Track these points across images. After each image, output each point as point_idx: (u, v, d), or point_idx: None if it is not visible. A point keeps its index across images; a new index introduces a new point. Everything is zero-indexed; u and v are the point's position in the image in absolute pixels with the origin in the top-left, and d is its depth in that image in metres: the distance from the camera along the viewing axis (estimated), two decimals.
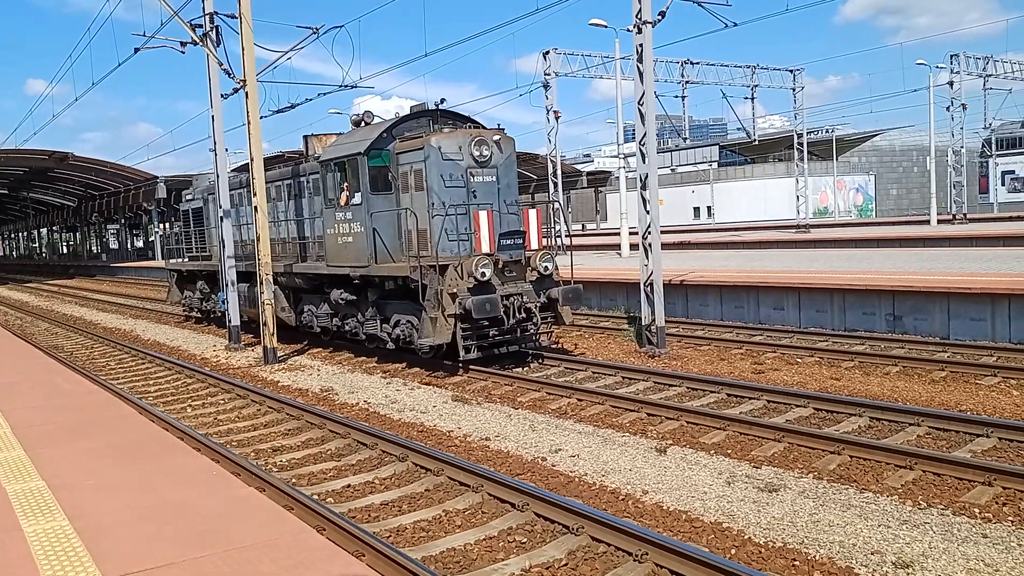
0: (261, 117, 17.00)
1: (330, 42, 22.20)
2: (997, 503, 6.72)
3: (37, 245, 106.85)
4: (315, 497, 7.49)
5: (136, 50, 19.20)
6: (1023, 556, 5.74)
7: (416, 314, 13.36)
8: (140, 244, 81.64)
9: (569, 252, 15.32)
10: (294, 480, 8.28)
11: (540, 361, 14.11)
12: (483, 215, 13.17)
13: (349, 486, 8.06)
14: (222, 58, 17.31)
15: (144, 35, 18.85)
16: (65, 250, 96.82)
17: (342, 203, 14.66)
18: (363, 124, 15.53)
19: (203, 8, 17.35)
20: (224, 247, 18.52)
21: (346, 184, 14.59)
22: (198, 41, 17.43)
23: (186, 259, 23.83)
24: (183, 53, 18.57)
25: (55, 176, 62.26)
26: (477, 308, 12.32)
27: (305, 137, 16.97)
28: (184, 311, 24.61)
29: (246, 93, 15.99)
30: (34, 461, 7.41)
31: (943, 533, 6.21)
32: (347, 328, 15.60)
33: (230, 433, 10.52)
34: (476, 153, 13.58)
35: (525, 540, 6.48)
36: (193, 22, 17.34)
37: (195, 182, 23.81)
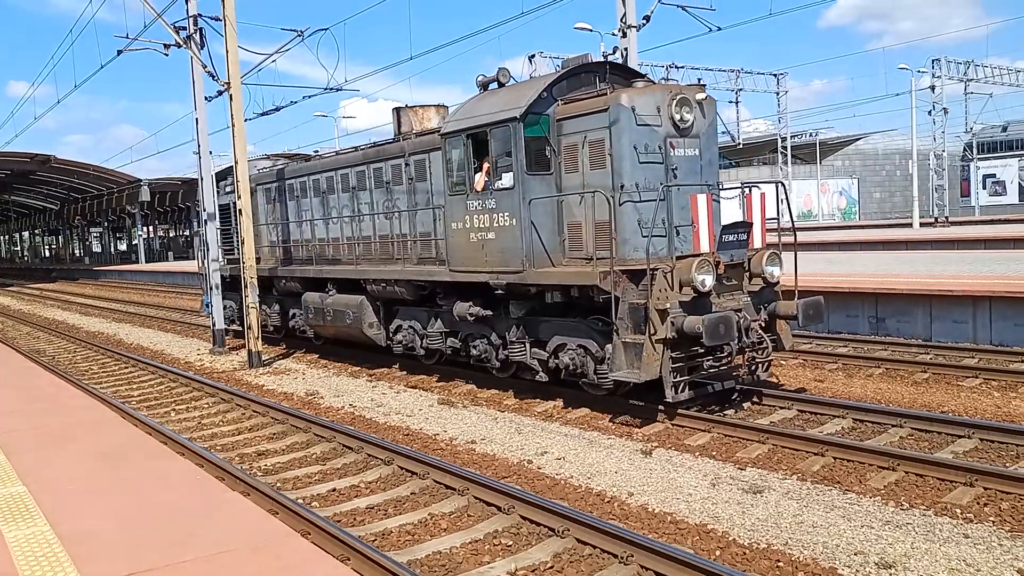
0: (246, 120, 17.00)
1: (315, 45, 22.29)
2: (978, 503, 6.79)
3: (19, 248, 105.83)
4: (300, 501, 7.46)
5: (119, 52, 19.14)
6: (1004, 556, 5.80)
7: (591, 336, 10.15)
8: (123, 247, 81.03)
9: (793, 251, 10.70)
10: (279, 484, 8.24)
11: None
12: (701, 200, 9.70)
13: (334, 490, 8.03)
14: (206, 60, 17.26)
15: (127, 37, 18.78)
16: (47, 253, 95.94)
17: (477, 188, 11.08)
18: (497, 85, 11.80)
19: (187, 10, 17.29)
20: (208, 249, 18.43)
21: (484, 163, 11.03)
22: (182, 43, 17.36)
23: (224, 262, 19.98)
24: (167, 55, 18.53)
25: (37, 179, 61.74)
26: (710, 332, 8.96)
27: (396, 110, 14.04)
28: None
29: (230, 96, 15.94)
30: (15, 466, 7.35)
31: (925, 533, 6.26)
32: (473, 353, 12.11)
33: (214, 437, 10.45)
34: (678, 116, 10.12)
35: (511, 543, 6.48)
36: (177, 24, 17.28)
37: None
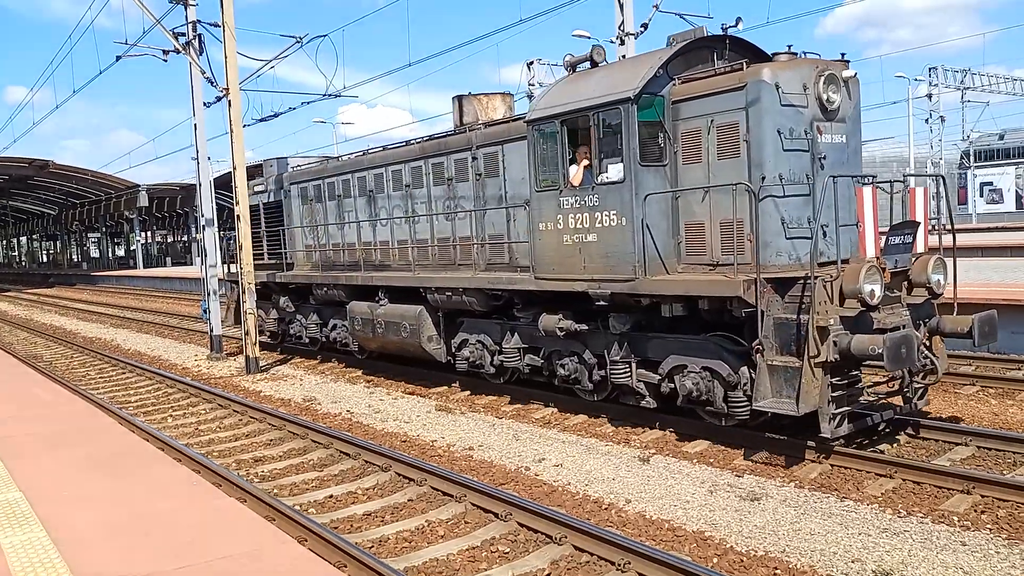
0: (244, 126, 17.01)
1: (314, 51, 22.31)
2: (975, 511, 6.79)
3: (16, 254, 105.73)
4: (297, 508, 7.44)
5: (118, 58, 19.20)
6: (1001, 564, 5.80)
7: (722, 357, 8.73)
8: (121, 253, 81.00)
9: (953, 256, 9.27)
10: (276, 490, 8.23)
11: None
12: (867, 194, 8.16)
13: (331, 496, 8.02)
14: (205, 66, 17.31)
15: (126, 43, 18.82)
16: (45, 259, 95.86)
17: (574, 183, 9.79)
18: (590, 64, 10.36)
19: (186, 16, 17.35)
20: (206, 256, 18.43)
21: (582, 154, 9.82)
22: (181, 49, 17.40)
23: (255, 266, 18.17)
24: (165, 61, 18.58)
25: (35, 184, 61.74)
26: (893, 355, 7.54)
27: (457, 98, 12.75)
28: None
29: (229, 101, 15.98)
30: (11, 472, 7.33)
31: (922, 541, 6.26)
32: (560, 372, 10.63)
33: (211, 443, 10.44)
34: (825, 96, 8.69)
35: (508, 550, 6.47)
36: (176, 30, 17.34)
37: (267, 169, 18.31)
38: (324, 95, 21.16)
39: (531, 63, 33.88)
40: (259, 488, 8.00)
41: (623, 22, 17.80)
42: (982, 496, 6.99)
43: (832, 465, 8.05)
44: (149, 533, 5.68)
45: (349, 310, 14.46)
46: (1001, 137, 66.36)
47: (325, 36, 19.14)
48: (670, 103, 9.27)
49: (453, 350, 12.55)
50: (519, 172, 10.88)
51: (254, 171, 18.83)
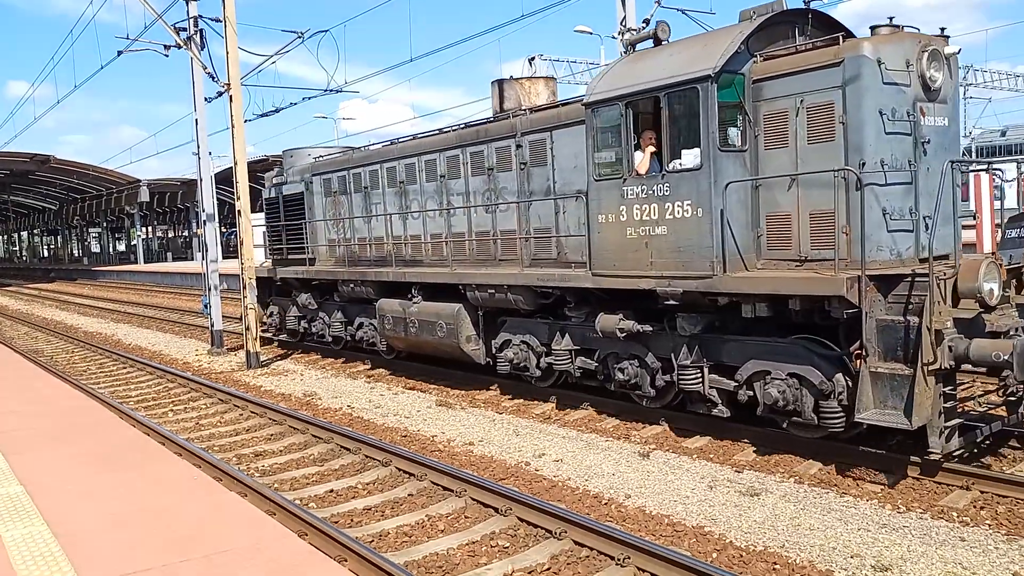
0: (245, 121, 17.02)
1: (315, 46, 22.29)
2: (975, 507, 6.80)
3: (17, 249, 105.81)
4: (297, 502, 7.46)
5: (119, 53, 19.17)
6: (1000, 559, 5.81)
7: (812, 363, 7.90)
8: (122, 248, 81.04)
9: None
10: (276, 485, 8.24)
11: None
12: (985, 182, 7.98)
13: (332, 491, 8.04)
14: (206, 61, 17.29)
15: (127, 38, 18.82)
16: (46, 253, 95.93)
17: (639, 171, 9.05)
18: (654, 42, 9.59)
19: (187, 11, 17.33)
20: (206, 251, 18.44)
21: (648, 138, 9.12)
22: (182, 44, 17.39)
23: (269, 263, 17.75)
24: (167, 56, 18.58)
25: (36, 179, 61.77)
26: (1022, 362, 6.81)
27: (497, 83, 12.03)
28: (270, 331, 18.50)
29: (230, 97, 15.97)
30: (13, 466, 7.35)
31: (922, 537, 6.27)
32: (619, 377, 9.82)
33: (212, 438, 10.45)
34: (928, 74, 7.99)
35: (508, 544, 6.49)
36: (177, 25, 17.32)
37: (287, 160, 17.40)
38: (325, 91, 21.15)
39: (532, 59, 33.87)
40: (260, 482, 8.02)
41: (625, 18, 17.75)
42: (981, 492, 6.99)
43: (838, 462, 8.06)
44: (150, 527, 5.69)
45: (378, 308, 13.66)
46: (1003, 133, 66.26)
47: (327, 31, 19.13)
48: (750, 82, 8.47)
49: (493, 351, 11.79)
50: (570, 160, 10.30)
51: (271, 164, 18.52)
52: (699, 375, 8.96)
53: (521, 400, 11.54)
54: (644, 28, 18.25)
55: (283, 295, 17.30)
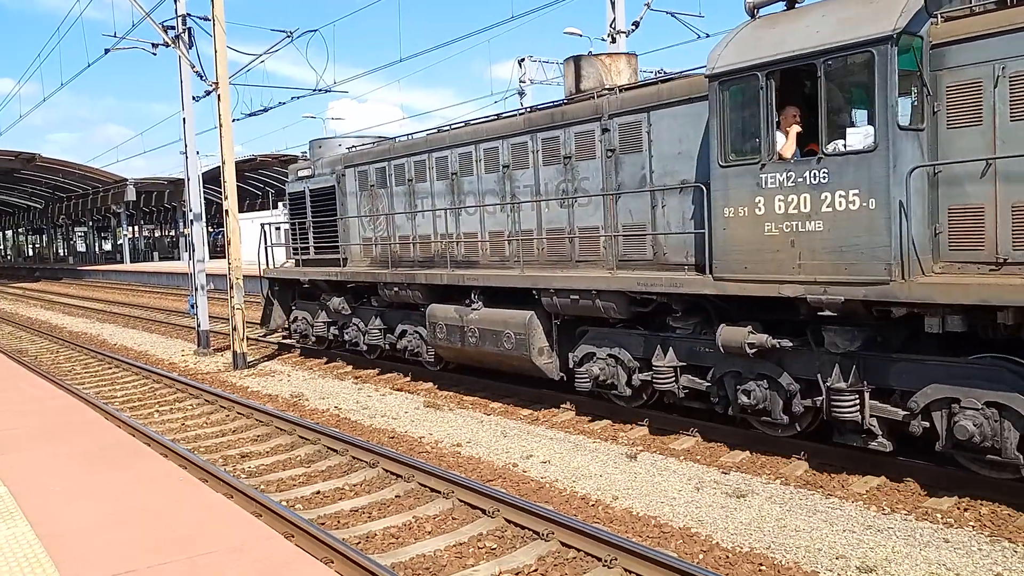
0: (233, 120, 16.96)
1: (304, 46, 22.28)
2: (958, 509, 6.85)
3: (2, 247, 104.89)
4: (284, 503, 7.44)
5: (107, 51, 19.05)
6: (983, 560, 5.86)
7: (1014, 389, 6.60)
8: (108, 247, 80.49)
9: None
10: (263, 486, 8.21)
11: None
12: None
13: (319, 492, 8.01)
14: (194, 60, 17.21)
15: (115, 36, 18.72)
16: (31, 252, 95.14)
17: (783, 154, 7.68)
18: (786, 4, 8.23)
19: (175, 10, 17.25)
20: (193, 251, 18.34)
21: (790, 116, 7.79)
22: (170, 43, 17.30)
23: (292, 263, 16.68)
24: (155, 55, 18.49)
25: (22, 177, 61.26)
26: None
27: (573, 60, 10.74)
28: (293, 338, 16.92)
29: (218, 96, 15.89)
30: None
31: (906, 538, 6.32)
32: (743, 401, 8.33)
33: (198, 439, 10.40)
34: None
35: (495, 546, 6.49)
36: (165, 24, 17.25)
37: (315, 151, 16.03)
38: (314, 90, 21.13)
39: (522, 60, 33.87)
40: (246, 484, 7.98)
41: (615, 20, 17.83)
42: (964, 494, 7.05)
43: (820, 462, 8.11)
44: (134, 528, 5.65)
45: (429, 314, 12.25)
46: None
47: (316, 31, 19.12)
48: (928, 47, 7.10)
49: (571, 365, 10.38)
50: (672, 146, 9.11)
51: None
52: (856, 401, 7.51)
53: (507, 402, 11.53)
54: (634, 30, 18.24)
55: (310, 299, 16.00)
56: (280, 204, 48.82)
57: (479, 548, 6.48)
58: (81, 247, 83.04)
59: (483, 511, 7.08)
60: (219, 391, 13.05)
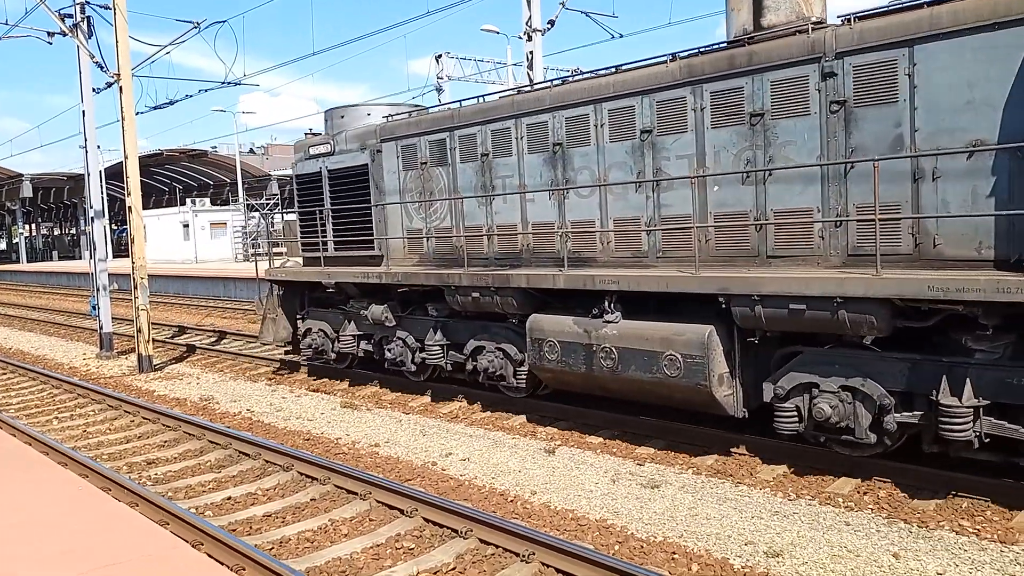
0: (137, 113, 16.29)
1: (212, 37, 21.49)
2: (858, 492, 7.17)
3: None
4: (193, 511, 7.17)
5: None
6: (881, 541, 6.16)
7: None
8: (3, 246, 76.04)
9: None
10: (170, 493, 7.91)
11: None
12: None
13: (230, 498, 7.77)
14: (94, 50, 16.46)
15: (7, 23, 17.70)
16: None
17: None
18: None
19: None
20: (95, 249, 17.51)
21: None
22: (68, 32, 16.48)
23: (291, 261, 14.32)
24: (51, 44, 17.57)
25: None
26: None
27: None
28: (301, 354, 13.70)
29: (120, 88, 15.25)
30: None
31: (810, 522, 6.58)
32: None
33: (100, 446, 9.93)
34: None
35: (413, 546, 6.43)
36: (63, 12, 16.44)
37: (335, 121, 13.08)
38: (223, 83, 20.44)
39: (439, 56, 33.68)
40: (152, 491, 7.67)
41: (530, 18, 17.95)
42: (864, 478, 7.39)
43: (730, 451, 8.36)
44: (31, 542, 5.36)
45: (532, 329, 9.55)
46: None
47: (224, 22, 18.50)
48: None
49: (767, 398, 7.73)
50: (954, 93, 6.73)
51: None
52: None
53: (428, 400, 11.43)
54: (550, 28, 18.41)
55: (325, 306, 13.26)
56: (188, 200, 47.28)
57: (397, 549, 6.41)
58: None
59: (401, 511, 7.01)
60: (123, 395, 12.50)
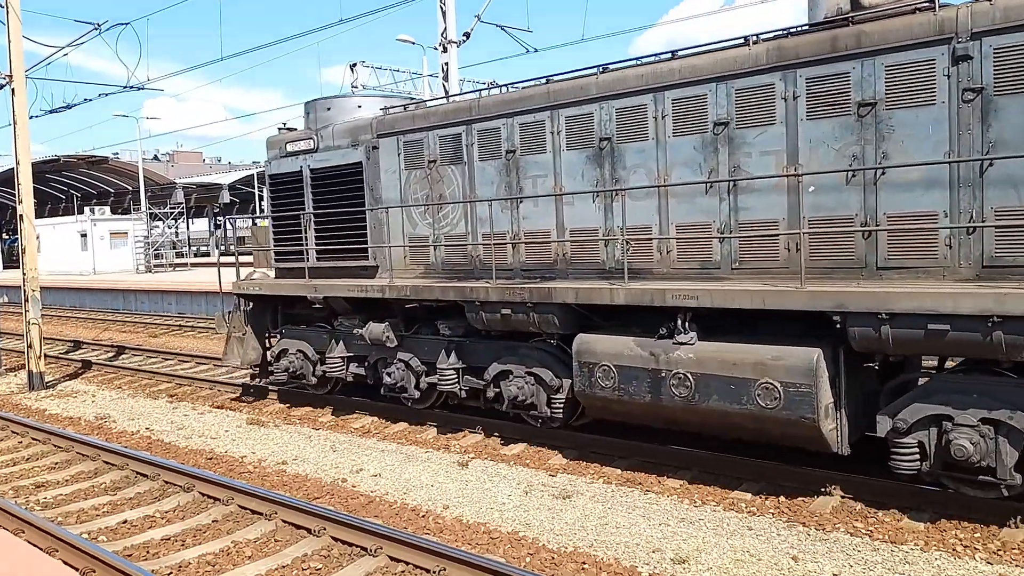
0: (32, 117, 15.51)
1: (114, 39, 20.68)
2: (760, 498, 7.39)
3: None
4: (84, 536, 6.81)
5: None
6: (781, 545, 6.36)
7: None
8: None
9: None
10: (60, 518, 7.48)
11: None
12: None
13: (125, 521, 7.41)
14: None
15: None
16: None
17: None
18: None
19: None
20: None
21: None
22: None
23: (261, 272, 12.57)
24: None
25: None
26: None
27: None
28: (272, 377, 12.10)
29: (13, 90, 14.54)
30: None
31: (715, 528, 6.74)
32: None
33: None
34: None
35: (321, 566, 6.27)
36: None
37: (319, 114, 11.67)
38: (125, 87, 19.62)
39: (354, 65, 33.30)
40: (39, 517, 7.23)
41: (445, 29, 17.97)
42: (758, 482, 7.62)
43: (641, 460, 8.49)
44: None
45: (580, 351, 8.38)
46: None
47: (127, 24, 17.79)
48: None
49: (883, 431, 6.71)
50: None
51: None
52: None
53: (339, 415, 11.21)
54: (465, 41, 18.48)
55: (300, 323, 11.90)
56: (87, 209, 45.08)
57: (303, 570, 6.23)
58: None
59: (308, 530, 6.82)
60: (10, 415, 11.76)
